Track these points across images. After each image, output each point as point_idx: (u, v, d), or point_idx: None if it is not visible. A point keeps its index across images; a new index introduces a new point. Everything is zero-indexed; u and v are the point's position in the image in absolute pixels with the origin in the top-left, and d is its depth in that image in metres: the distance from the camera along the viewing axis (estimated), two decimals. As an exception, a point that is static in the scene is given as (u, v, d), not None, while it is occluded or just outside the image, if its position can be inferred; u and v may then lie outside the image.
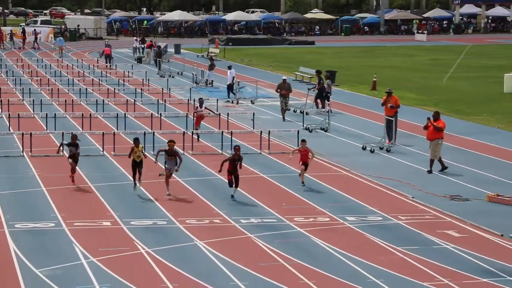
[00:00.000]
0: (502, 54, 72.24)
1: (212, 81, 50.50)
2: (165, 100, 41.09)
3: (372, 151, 30.38)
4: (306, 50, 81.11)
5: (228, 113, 35.65)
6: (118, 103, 41.13)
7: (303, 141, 25.34)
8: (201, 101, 33.06)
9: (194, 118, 32.99)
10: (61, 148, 25.91)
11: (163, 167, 23.95)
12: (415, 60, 69.09)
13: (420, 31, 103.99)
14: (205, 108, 32.90)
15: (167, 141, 24.48)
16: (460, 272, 17.46)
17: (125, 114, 35.66)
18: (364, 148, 30.86)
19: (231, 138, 30.44)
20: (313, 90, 40.30)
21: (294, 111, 37.84)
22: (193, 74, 52.47)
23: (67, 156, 25.15)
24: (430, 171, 26.79)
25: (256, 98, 44.17)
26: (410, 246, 19.14)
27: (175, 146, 23.86)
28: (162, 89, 45.43)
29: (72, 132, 25.49)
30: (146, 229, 20.34)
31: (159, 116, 35.43)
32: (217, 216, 21.59)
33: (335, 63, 63.78)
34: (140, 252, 18.56)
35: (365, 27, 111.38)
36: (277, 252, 18.62)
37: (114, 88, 45.75)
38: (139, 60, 66.51)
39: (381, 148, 30.56)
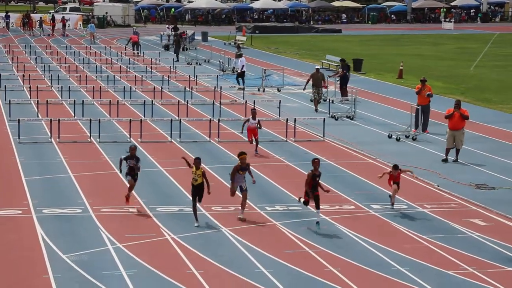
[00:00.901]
0: (530, 42, 71.72)
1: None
2: (192, 87, 41.11)
3: (398, 139, 30.25)
4: (333, 38, 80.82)
5: (254, 101, 35.59)
6: (145, 90, 41.21)
7: (396, 167, 21.18)
8: (253, 112, 27.86)
9: (244, 130, 28.51)
10: (121, 165, 21.12)
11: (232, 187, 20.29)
12: (442, 49, 68.64)
13: (447, 20, 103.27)
14: (259, 121, 27.60)
15: (237, 154, 20.59)
16: (485, 260, 17.36)
17: (152, 101, 35.72)
18: (390, 137, 30.74)
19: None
20: (334, 78, 40.00)
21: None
22: (220, 61, 52.45)
23: (125, 172, 21.06)
24: (456, 160, 26.62)
25: (282, 86, 44.10)
26: (435, 235, 19.04)
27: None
28: (189, 76, 45.47)
29: (130, 146, 21.26)
30: (172, 216, 20.37)
31: (186, 103, 35.46)
32: (243, 203, 21.55)
33: (362, 51, 63.50)
34: (166, 238, 18.61)
35: (392, 16, 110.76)
36: (302, 239, 18.59)
37: (142, 75, 45.85)
38: (167, 47, 66.56)
39: (407, 137, 30.43)
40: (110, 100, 35.37)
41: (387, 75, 50.12)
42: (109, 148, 28.04)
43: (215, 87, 41.25)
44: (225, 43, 70.98)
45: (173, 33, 69.36)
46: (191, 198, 19.96)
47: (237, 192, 20.32)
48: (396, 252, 17.83)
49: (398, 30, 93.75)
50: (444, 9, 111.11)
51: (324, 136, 30.28)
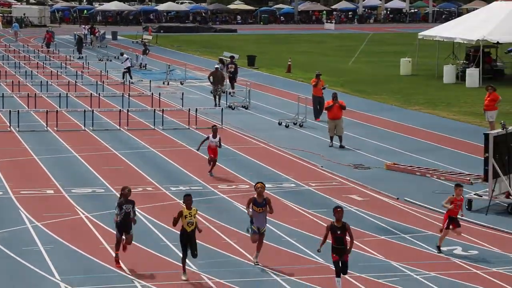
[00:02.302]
0: (399, 41, 73.02)
1: (146, 64, 50.10)
2: (103, 81, 40.55)
3: (287, 126, 30.50)
4: (229, 37, 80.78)
5: (159, 93, 35.34)
6: (60, 84, 40.39)
7: (459, 186, 16.30)
8: (215, 130, 22.62)
9: (201, 145, 22.87)
10: (117, 212, 14.92)
11: (248, 232, 15.47)
12: (325, 46, 69.37)
13: (329, 21, 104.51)
14: (220, 140, 22.44)
15: (257, 185, 15.35)
16: (362, 231, 17.67)
17: (67, 94, 35.07)
18: (280, 124, 30.97)
19: (162, 115, 30.23)
20: (228, 72, 39.46)
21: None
22: (128, 58, 51.75)
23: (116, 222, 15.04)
24: (341, 146, 26.62)
25: (185, 79, 43.89)
26: (319, 209, 19.28)
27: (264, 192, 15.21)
28: (101, 71, 44.82)
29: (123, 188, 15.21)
30: (85, 196, 20.09)
31: (98, 95, 34.96)
32: (150, 184, 21.44)
33: (255, 48, 63.64)
34: (80, 217, 18.34)
35: (281, 17, 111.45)
36: (203, 215, 18.54)
37: (57, 71, 44.97)
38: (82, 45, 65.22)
39: (294, 124, 30.71)
40: (28, 93, 34.54)
41: (277, 69, 50.40)
42: (27, 137, 27.48)
43: (124, 81, 40.76)
44: (132, 42, 70.11)
45: (90, 32, 68.21)
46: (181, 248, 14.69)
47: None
48: (285, 225, 17.99)
49: (286, 30, 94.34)
50: (325, 12, 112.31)
51: (222, 124, 30.26)
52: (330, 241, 14.04)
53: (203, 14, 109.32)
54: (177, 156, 24.71)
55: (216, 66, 37.37)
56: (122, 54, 45.18)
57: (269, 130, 29.89)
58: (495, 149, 19.00)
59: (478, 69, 42.06)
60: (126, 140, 27.42)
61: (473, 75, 41.90)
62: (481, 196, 19.47)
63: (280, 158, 25.14)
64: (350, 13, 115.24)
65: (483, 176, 19.65)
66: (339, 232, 13.85)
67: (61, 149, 25.65)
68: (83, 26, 76.55)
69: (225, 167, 23.57)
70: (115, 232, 15.19)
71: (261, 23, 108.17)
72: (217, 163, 22.89)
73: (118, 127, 29.39)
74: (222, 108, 31.27)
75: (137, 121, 30.62)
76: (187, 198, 14.61)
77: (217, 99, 35.05)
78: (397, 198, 20.39)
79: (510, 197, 19.03)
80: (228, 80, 38.26)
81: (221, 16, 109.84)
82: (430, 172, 22.86)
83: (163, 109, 31.08)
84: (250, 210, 15.17)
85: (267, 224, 15.63)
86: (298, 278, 14.79)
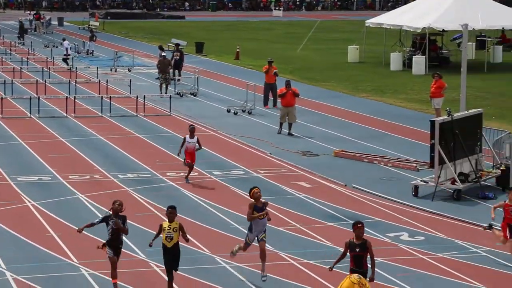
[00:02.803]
0: (346, 28, 73.49)
1: (93, 51, 49.55)
2: (49, 68, 39.99)
3: (235, 113, 30.48)
4: (177, 24, 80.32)
5: (107, 80, 34.99)
6: (5, 70, 39.73)
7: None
8: (192, 129, 20.51)
9: (180, 151, 20.43)
10: (97, 221, 13.40)
11: (244, 240, 14.39)
12: (273, 33, 69.42)
13: (277, 8, 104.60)
14: (198, 140, 20.35)
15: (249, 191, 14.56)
16: (310, 217, 17.78)
17: (12, 80, 34.51)
18: (228, 111, 30.93)
19: (110, 102, 29.95)
20: (174, 58, 39.03)
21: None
22: (75, 44, 51.20)
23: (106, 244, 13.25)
24: (290, 134, 26.64)
25: (132, 66, 43.54)
26: (268, 196, 19.27)
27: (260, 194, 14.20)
28: (47, 58, 44.21)
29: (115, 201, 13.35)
30: (32, 184, 19.83)
31: (44, 82, 34.48)
32: (97, 172, 21.24)
33: (203, 35, 63.40)
34: (26, 205, 18.09)
35: (229, 4, 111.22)
36: (151, 203, 18.49)
37: (1, 57, 44.20)
38: (26, 31, 64.26)
39: (243, 111, 30.70)
40: (-29, 80, 33.97)
41: (225, 56, 50.29)
42: (-28, 124, 27.03)
43: (70, 67, 40.27)
44: (79, 28, 69.28)
45: (35, 18, 67.19)
46: (164, 266, 13.19)
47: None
48: (234, 212, 17.99)
49: (234, 17, 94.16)
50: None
51: (170, 111, 30.14)
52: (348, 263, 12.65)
53: (151, 1, 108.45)
54: (125, 144, 24.52)
55: (163, 54, 37.12)
56: (64, 40, 44.73)
57: (218, 117, 29.83)
58: (441, 136, 19.26)
59: (424, 56, 42.53)
60: (73, 127, 27.12)
61: (419, 62, 42.38)
62: (427, 183, 19.74)
63: (229, 145, 25.13)
64: (298, 0, 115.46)
65: (429, 162, 19.90)
66: (357, 250, 12.37)
67: (6, 137, 25.26)
68: (28, 12, 75.41)
69: (173, 154, 23.44)
70: (108, 252, 13.16)
71: (209, 9, 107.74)
72: (164, 149, 22.74)
73: (65, 114, 29.05)
74: (170, 95, 31.10)
75: (84, 108, 30.29)
76: (170, 211, 12.73)
77: (163, 87, 34.65)
78: (345, 185, 20.55)
79: (456, 183, 19.31)
80: (173, 68, 38.00)
81: (169, 3, 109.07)
82: (378, 159, 23.08)
83: (110, 96, 30.79)
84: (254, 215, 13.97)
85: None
86: (247, 265, 14.82)
